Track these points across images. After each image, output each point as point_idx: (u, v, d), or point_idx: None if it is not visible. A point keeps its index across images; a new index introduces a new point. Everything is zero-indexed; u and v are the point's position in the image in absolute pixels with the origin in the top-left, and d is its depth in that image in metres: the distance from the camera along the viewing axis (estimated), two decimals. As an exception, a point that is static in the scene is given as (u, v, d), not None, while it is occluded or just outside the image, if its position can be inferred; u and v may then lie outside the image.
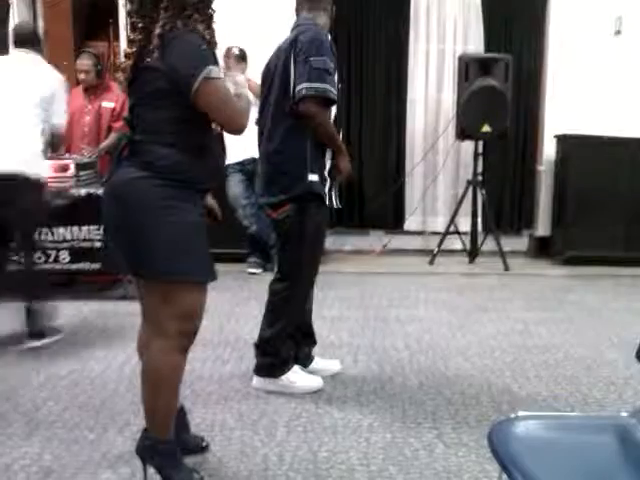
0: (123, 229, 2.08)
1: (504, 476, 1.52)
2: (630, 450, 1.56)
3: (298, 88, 2.75)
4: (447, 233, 5.94)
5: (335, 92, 2.80)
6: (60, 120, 3.76)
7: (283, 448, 2.50)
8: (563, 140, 6.04)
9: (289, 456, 2.44)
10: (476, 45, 6.33)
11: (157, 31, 1.99)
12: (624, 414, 1.68)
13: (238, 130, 2.08)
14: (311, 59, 2.75)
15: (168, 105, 2.05)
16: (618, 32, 6.10)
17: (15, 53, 3.82)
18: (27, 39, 3.78)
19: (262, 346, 3.05)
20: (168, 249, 2.03)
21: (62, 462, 2.40)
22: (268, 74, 2.96)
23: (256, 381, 3.06)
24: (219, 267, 2.17)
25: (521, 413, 1.66)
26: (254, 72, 5.46)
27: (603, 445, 1.55)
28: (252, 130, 5.32)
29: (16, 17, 5.98)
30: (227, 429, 2.66)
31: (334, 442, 2.55)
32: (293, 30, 2.91)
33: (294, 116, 2.81)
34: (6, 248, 3.73)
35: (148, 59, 2.00)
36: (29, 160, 3.58)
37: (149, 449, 2.19)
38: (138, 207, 2.03)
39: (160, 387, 2.15)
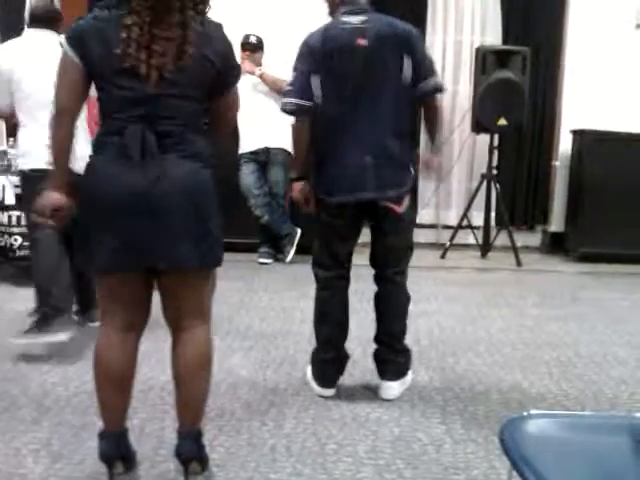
0: (200, 220, 2.04)
1: (514, 474, 1.50)
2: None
3: (431, 82, 2.77)
4: (460, 227, 5.91)
5: None
6: None
7: (291, 439, 2.50)
8: (580, 135, 5.98)
9: (297, 448, 2.43)
10: (494, 37, 6.26)
11: (196, 23, 1.96)
12: (638, 414, 1.66)
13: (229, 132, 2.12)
14: (426, 52, 2.85)
15: (204, 97, 2.05)
16: (639, 26, 6.02)
17: (35, 33, 3.56)
18: (44, 18, 3.67)
19: (398, 344, 2.97)
20: (221, 236, 2.12)
21: (70, 447, 2.41)
22: (357, 63, 2.72)
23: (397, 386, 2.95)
24: (229, 256, 2.16)
25: (533, 411, 1.64)
26: (270, 61, 5.49)
27: (617, 445, 1.53)
28: (266, 120, 5.40)
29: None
30: (235, 419, 2.65)
31: (342, 435, 2.54)
32: (374, 21, 2.75)
33: (415, 109, 2.88)
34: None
35: (203, 50, 1.97)
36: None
37: (202, 448, 2.20)
38: (210, 198, 2.07)
39: (210, 373, 2.22)
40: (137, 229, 1.98)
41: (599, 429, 1.63)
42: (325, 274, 2.91)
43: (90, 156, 2.05)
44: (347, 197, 2.76)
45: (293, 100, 2.76)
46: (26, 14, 3.74)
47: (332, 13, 2.86)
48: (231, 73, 2.11)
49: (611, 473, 1.46)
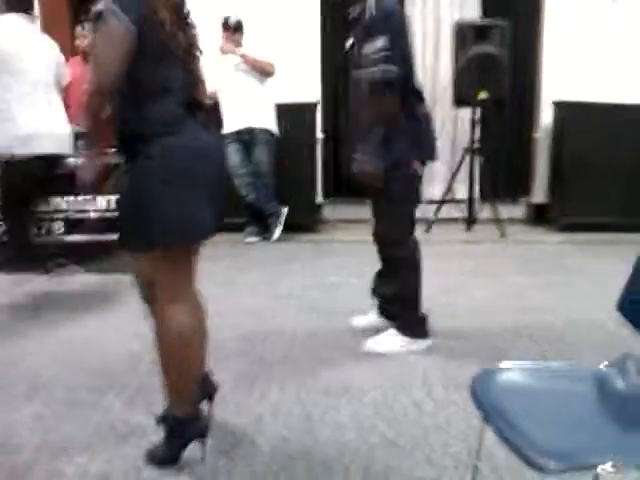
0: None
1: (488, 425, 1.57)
2: (609, 398, 1.61)
3: None
4: (444, 201, 5.97)
5: None
6: (64, 84, 3.83)
7: (277, 407, 2.57)
8: (560, 107, 6.04)
9: (282, 414, 2.50)
10: (473, 12, 6.30)
11: None
12: (604, 364, 1.73)
13: None
14: None
15: None
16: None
17: (16, 17, 3.65)
18: (22, 3, 3.69)
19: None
20: None
21: (63, 421, 2.47)
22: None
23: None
24: (216, 237, 2.20)
25: (503, 363, 1.71)
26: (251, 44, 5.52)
27: (583, 393, 1.60)
28: (248, 100, 5.43)
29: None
30: (223, 389, 2.71)
31: (326, 402, 2.61)
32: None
33: None
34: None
35: None
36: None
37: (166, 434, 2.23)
38: None
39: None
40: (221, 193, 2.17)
41: (567, 378, 1.71)
42: (412, 240, 3.12)
43: (173, 129, 2.01)
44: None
45: (393, 68, 2.75)
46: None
47: None
48: None
49: (578, 418, 1.53)
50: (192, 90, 2.10)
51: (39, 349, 3.20)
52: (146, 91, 1.98)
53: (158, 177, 1.96)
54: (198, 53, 2.13)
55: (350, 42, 3.03)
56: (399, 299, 3.14)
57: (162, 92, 1.99)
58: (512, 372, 1.70)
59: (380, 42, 2.73)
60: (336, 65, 6.39)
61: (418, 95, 2.97)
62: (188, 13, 2.09)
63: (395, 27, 2.79)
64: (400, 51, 2.78)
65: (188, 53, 2.07)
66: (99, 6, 1.90)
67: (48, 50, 3.74)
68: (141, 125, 1.98)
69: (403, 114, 2.88)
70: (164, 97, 1.99)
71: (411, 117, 2.92)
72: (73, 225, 4.50)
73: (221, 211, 2.16)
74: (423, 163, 3.01)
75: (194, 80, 2.12)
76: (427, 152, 3.05)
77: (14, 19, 3.62)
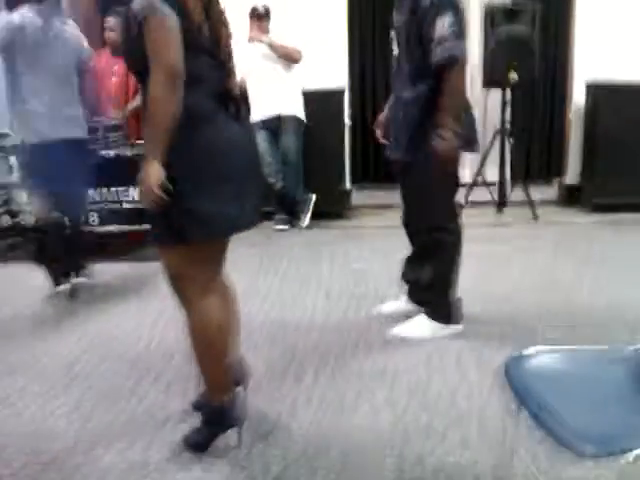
0: None
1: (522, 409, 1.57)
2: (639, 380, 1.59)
3: None
4: (475, 184, 5.91)
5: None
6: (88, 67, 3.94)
7: (311, 392, 2.58)
8: (593, 87, 5.91)
9: (316, 399, 2.52)
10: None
11: None
12: (634, 347, 1.71)
13: None
14: None
15: None
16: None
17: (28, 10, 3.62)
18: None
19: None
20: None
21: (100, 409, 2.51)
22: None
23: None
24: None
25: (536, 348, 1.70)
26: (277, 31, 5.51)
27: (614, 376, 1.59)
28: (276, 88, 5.42)
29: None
30: (257, 376, 2.73)
31: (360, 385, 2.62)
32: None
33: None
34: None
35: None
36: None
37: (195, 432, 2.26)
38: None
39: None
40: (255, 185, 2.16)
41: (598, 362, 1.69)
42: (458, 224, 3.13)
43: (203, 121, 1.99)
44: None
45: (462, 44, 2.80)
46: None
47: None
48: None
49: (609, 400, 1.52)
50: (224, 82, 2.07)
51: (75, 339, 3.25)
52: None
53: (187, 170, 1.95)
54: (231, 47, 2.11)
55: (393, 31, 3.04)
56: (435, 285, 3.11)
57: (192, 83, 1.93)
58: (546, 356, 1.69)
59: (447, 18, 2.75)
60: (363, 52, 6.35)
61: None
62: (222, 11, 2.07)
63: (457, 3, 2.82)
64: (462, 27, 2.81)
65: (218, 45, 2.05)
66: (135, 4, 1.89)
67: (68, 38, 3.76)
68: None
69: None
70: (194, 88, 1.94)
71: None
72: (107, 216, 4.56)
73: (257, 204, 2.16)
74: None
75: (226, 72, 2.08)
76: (474, 141, 3.05)
77: (26, 12, 3.66)
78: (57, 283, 3.86)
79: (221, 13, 2.07)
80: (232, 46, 2.12)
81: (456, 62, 2.78)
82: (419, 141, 2.89)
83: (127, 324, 3.45)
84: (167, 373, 2.79)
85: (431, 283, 3.11)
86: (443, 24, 2.75)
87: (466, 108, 2.98)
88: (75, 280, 3.89)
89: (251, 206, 2.11)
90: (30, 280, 3.98)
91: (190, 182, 1.95)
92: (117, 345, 3.16)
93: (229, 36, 2.10)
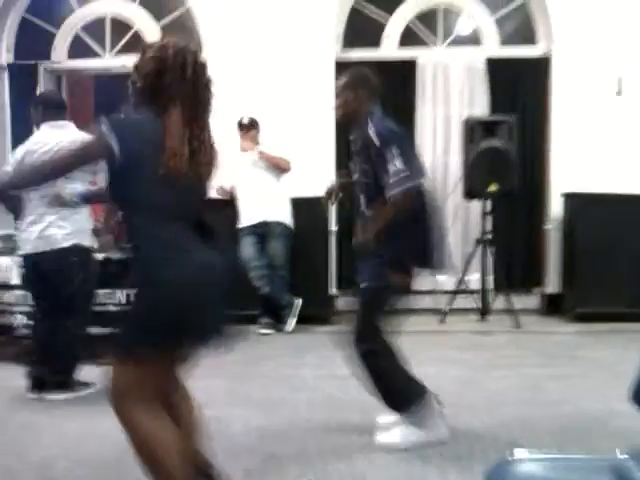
0: None
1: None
2: (628, 491, 1.57)
3: None
4: (457, 292, 5.98)
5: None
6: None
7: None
8: (570, 198, 6.13)
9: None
10: (481, 108, 6.51)
11: None
12: (622, 456, 1.70)
13: None
14: None
15: None
16: (619, 92, 6.26)
17: (47, 129, 3.85)
18: (58, 112, 3.91)
19: None
20: None
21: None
22: None
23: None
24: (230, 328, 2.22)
25: (519, 454, 1.69)
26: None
27: (599, 484, 1.57)
28: (264, 195, 5.57)
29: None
30: None
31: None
32: None
33: None
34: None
35: None
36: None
37: None
38: None
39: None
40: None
41: (584, 470, 1.68)
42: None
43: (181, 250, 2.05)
44: None
45: (412, 184, 2.96)
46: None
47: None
48: None
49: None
50: (198, 212, 2.14)
51: (51, 441, 3.17)
52: (149, 214, 2.03)
53: (154, 305, 2.04)
54: (209, 184, 2.18)
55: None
56: (395, 392, 3.13)
57: (164, 216, 2.02)
58: (527, 463, 1.67)
59: (395, 151, 2.94)
60: (349, 161, 6.56)
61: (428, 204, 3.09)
62: (210, 145, 2.10)
63: (404, 145, 3.02)
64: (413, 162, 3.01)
65: (198, 179, 2.09)
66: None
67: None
68: (147, 250, 2.05)
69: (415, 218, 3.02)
70: (165, 221, 2.02)
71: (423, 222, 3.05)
72: (93, 318, 4.54)
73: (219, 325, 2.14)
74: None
75: (200, 204, 2.16)
76: (430, 260, 3.13)
77: (46, 131, 3.84)
78: (37, 387, 3.80)
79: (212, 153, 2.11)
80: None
81: (409, 194, 2.96)
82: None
83: (104, 425, 3.36)
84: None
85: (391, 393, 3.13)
86: (393, 158, 2.94)
87: (433, 228, 3.09)
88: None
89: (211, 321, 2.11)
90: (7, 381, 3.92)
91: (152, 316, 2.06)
92: (93, 448, 3.08)
93: (211, 176, 2.15)
